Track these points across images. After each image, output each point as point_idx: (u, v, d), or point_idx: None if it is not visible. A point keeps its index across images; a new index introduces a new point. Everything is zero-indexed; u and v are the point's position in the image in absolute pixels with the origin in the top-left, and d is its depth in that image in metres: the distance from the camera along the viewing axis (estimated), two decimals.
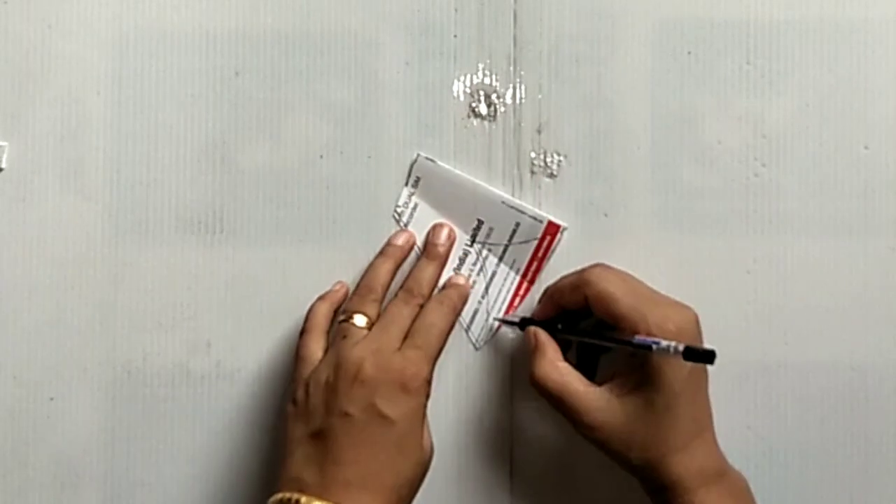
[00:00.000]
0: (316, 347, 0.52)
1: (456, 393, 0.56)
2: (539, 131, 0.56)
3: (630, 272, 0.52)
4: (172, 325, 0.56)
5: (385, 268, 0.54)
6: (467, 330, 0.56)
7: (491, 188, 0.55)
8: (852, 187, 0.56)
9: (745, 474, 0.51)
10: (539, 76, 0.56)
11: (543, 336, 0.52)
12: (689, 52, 0.56)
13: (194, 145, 0.56)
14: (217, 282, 0.56)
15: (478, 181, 0.55)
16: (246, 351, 0.56)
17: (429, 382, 0.50)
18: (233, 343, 0.56)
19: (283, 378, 0.56)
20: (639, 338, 0.48)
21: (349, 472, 0.47)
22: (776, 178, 0.56)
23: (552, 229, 0.55)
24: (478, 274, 0.56)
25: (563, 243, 0.55)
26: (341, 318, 0.52)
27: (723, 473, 0.50)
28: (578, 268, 0.53)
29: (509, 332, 0.56)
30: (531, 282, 0.55)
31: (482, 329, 0.56)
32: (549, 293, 0.54)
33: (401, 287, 0.54)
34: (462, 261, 0.55)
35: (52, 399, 0.56)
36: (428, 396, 0.50)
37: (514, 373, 0.56)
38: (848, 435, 0.55)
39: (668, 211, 0.56)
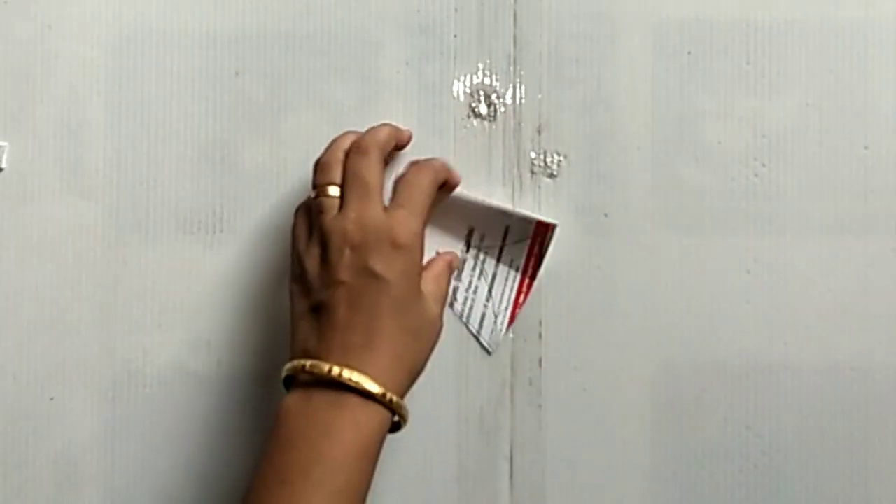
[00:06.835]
0: (304, 224, 0.51)
1: (456, 393, 0.56)
2: (539, 131, 0.56)
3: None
4: (172, 325, 0.56)
5: (346, 137, 0.51)
6: (478, 336, 0.55)
7: (474, 194, 0.55)
8: (852, 187, 0.55)
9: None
10: (539, 76, 0.56)
11: None
12: (689, 52, 0.56)
13: (194, 145, 0.56)
14: (217, 282, 0.56)
15: (460, 189, 0.55)
16: (246, 351, 0.56)
17: (420, 237, 0.49)
18: (233, 343, 0.56)
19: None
20: None
21: (349, 336, 0.47)
22: (776, 178, 0.56)
23: (542, 229, 0.55)
24: (479, 278, 0.55)
25: (563, 243, 0.55)
26: (313, 193, 0.51)
27: None
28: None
29: (510, 333, 0.56)
30: (532, 278, 0.55)
31: (492, 332, 0.55)
32: None
33: (350, 148, 0.50)
34: (461, 268, 0.55)
35: (52, 399, 0.55)
36: (422, 253, 0.49)
37: (515, 373, 0.56)
38: (848, 435, 0.55)
39: (668, 211, 0.56)
